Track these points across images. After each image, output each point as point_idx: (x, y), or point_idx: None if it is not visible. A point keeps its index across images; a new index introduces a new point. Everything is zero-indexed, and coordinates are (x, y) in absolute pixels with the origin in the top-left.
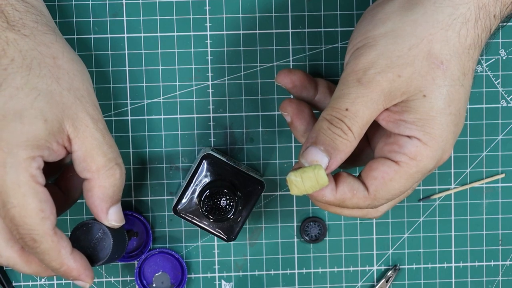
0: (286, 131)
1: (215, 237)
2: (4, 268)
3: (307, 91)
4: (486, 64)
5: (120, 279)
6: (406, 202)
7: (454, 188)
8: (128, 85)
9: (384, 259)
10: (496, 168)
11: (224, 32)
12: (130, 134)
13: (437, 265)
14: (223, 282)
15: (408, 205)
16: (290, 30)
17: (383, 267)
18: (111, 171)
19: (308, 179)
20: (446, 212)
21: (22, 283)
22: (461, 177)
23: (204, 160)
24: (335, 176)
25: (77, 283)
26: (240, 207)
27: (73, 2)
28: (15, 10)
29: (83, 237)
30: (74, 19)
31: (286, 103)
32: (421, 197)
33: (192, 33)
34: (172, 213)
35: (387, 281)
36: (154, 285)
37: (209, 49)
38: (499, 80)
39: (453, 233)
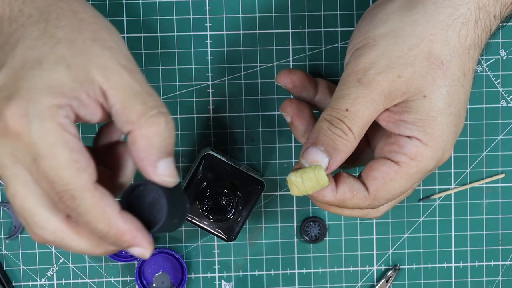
0: (286, 131)
1: (215, 237)
2: (4, 268)
3: (307, 91)
4: (486, 64)
5: (120, 279)
6: (406, 202)
7: (454, 188)
8: None
9: (384, 259)
10: (496, 168)
11: (224, 32)
12: None
13: (437, 265)
14: (223, 282)
15: (408, 205)
16: (290, 30)
17: (383, 267)
18: (153, 119)
19: (309, 180)
20: (446, 212)
21: (22, 283)
22: (461, 177)
23: (204, 160)
24: (335, 176)
25: (133, 251)
26: (240, 207)
27: None
28: None
29: (135, 202)
30: None
31: (286, 103)
32: (421, 197)
33: (192, 33)
34: None
35: (387, 281)
36: (154, 285)
37: (209, 49)
38: (499, 80)
39: (453, 233)
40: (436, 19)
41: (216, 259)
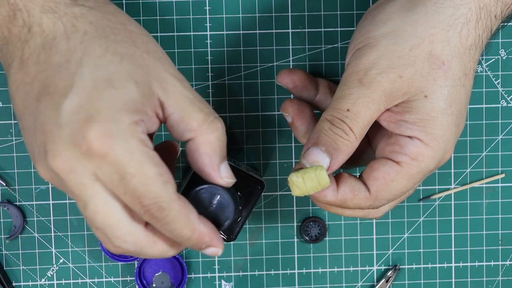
0: (286, 131)
1: None
2: (4, 268)
3: (308, 91)
4: (486, 64)
5: (120, 279)
6: (406, 202)
7: (454, 188)
8: None
9: (384, 259)
10: (496, 168)
11: (224, 32)
12: None
13: (437, 265)
14: (223, 282)
15: (408, 205)
16: (290, 30)
17: (383, 267)
18: (213, 125)
19: (310, 180)
20: (446, 212)
21: (22, 283)
22: (461, 177)
23: None
24: (336, 176)
25: (209, 251)
26: (240, 207)
27: None
28: None
29: (198, 206)
30: None
31: (287, 104)
32: (421, 197)
33: (192, 33)
34: None
35: (387, 281)
36: (154, 285)
37: (209, 49)
38: (499, 80)
39: (453, 233)
40: (437, 19)
41: (216, 259)
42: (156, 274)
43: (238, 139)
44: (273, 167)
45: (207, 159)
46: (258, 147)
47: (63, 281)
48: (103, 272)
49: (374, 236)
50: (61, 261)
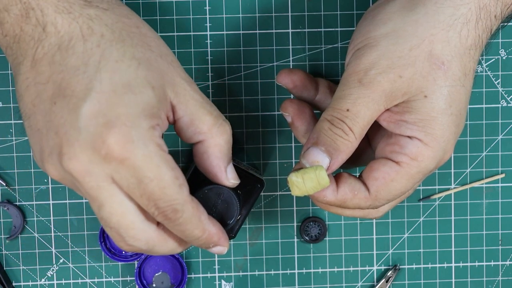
0: (286, 131)
1: None
2: (4, 268)
3: (308, 91)
4: (486, 64)
5: (120, 279)
6: (406, 202)
7: (454, 188)
8: None
9: (384, 259)
10: (496, 168)
11: (224, 32)
12: None
13: (437, 265)
14: (223, 282)
15: (408, 205)
16: (290, 30)
17: (383, 267)
18: (222, 128)
19: (309, 180)
20: (446, 212)
21: (22, 283)
22: (461, 177)
23: None
24: (336, 176)
25: (215, 250)
26: (240, 206)
27: None
28: None
29: (205, 205)
30: None
31: (287, 103)
32: (421, 197)
33: (192, 33)
34: None
35: (387, 281)
36: (154, 285)
37: (209, 49)
38: (499, 80)
39: (453, 233)
40: (437, 19)
41: (216, 259)
42: (156, 274)
43: (238, 139)
44: (273, 167)
45: (215, 161)
46: (258, 147)
47: (63, 281)
48: (103, 272)
49: (374, 236)
50: (61, 261)
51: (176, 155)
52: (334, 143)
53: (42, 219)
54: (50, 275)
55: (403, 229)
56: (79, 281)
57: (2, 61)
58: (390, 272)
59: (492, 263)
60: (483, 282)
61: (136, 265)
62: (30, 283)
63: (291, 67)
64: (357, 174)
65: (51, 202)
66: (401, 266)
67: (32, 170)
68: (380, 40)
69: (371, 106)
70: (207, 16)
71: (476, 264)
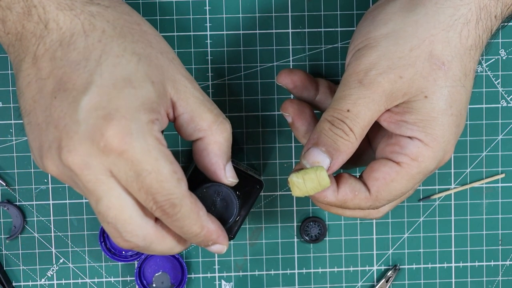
0: (286, 131)
1: None
2: (4, 268)
3: (308, 91)
4: (486, 64)
5: (120, 279)
6: (406, 202)
7: (454, 188)
8: None
9: (384, 259)
10: (496, 168)
11: (224, 32)
12: None
13: (437, 265)
14: (223, 282)
15: (408, 205)
16: (290, 30)
17: (383, 267)
18: (222, 126)
19: (310, 181)
20: (446, 212)
21: (22, 283)
22: (461, 177)
23: None
24: (337, 177)
25: (215, 248)
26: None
27: None
28: None
29: (204, 203)
30: None
31: (287, 104)
32: (421, 197)
33: (192, 33)
34: None
35: (387, 281)
36: (154, 285)
37: (209, 49)
38: (499, 80)
39: (453, 233)
40: (437, 20)
41: (216, 259)
42: (156, 274)
43: (238, 139)
44: (273, 167)
45: (214, 159)
46: (258, 147)
47: (63, 281)
48: (103, 272)
49: (374, 236)
50: (61, 261)
51: (176, 155)
52: (334, 143)
53: (42, 219)
54: (50, 275)
55: (403, 229)
56: (79, 281)
57: (2, 61)
58: (390, 272)
59: (492, 263)
60: (483, 282)
61: (136, 265)
62: (30, 283)
63: (291, 67)
64: (358, 175)
65: (51, 202)
66: (401, 266)
67: (32, 170)
68: (381, 40)
69: (372, 107)
70: (207, 16)
71: (476, 264)
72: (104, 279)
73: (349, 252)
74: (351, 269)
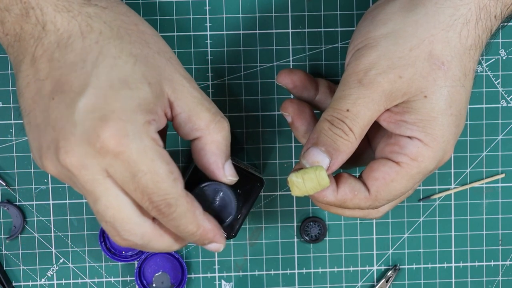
0: (286, 131)
1: None
2: (4, 268)
3: (308, 91)
4: (486, 64)
5: (120, 279)
6: (406, 202)
7: (454, 188)
8: None
9: (384, 259)
10: (496, 168)
11: (224, 32)
12: None
13: (437, 265)
14: (223, 282)
15: (408, 205)
16: (290, 30)
17: (383, 267)
18: (220, 124)
19: (309, 180)
20: (446, 212)
21: (22, 283)
22: (461, 177)
23: None
24: (336, 177)
25: (212, 246)
26: (240, 204)
27: None
28: None
29: (202, 202)
30: None
31: (287, 103)
32: (421, 197)
33: (192, 33)
34: None
35: (387, 281)
36: (154, 285)
37: (209, 49)
38: (499, 80)
39: (453, 233)
40: (437, 20)
41: (216, 259)
42: (156, 274)
43: (238, 139)
44: (273, 167)
45: (212, 158)
46: (258, 147)
47: (63, 281)
48: (103, 272)
49: (374, 236)
50: (61, 261)
51: (176, 155)
52: (334, 143)
53: (42, 219)
54: (50, 275)
55: (403, 229)
56: (79, 281)
57: (2, 61)
58: (390, 272)
59: (492, 263)
60: (483, 282)
61: (136, 265)
62: (30, 283)
63: (291, 67)
64: (357, 174)
65: (51, 202)
66: (401, 266)
67: (32, 170)
68: (380, 40)
69: (371, 107)
70: (207, 16)
71: (476, 264)
72: (104, 279)
73: (349, 252)
74: (351, 269)
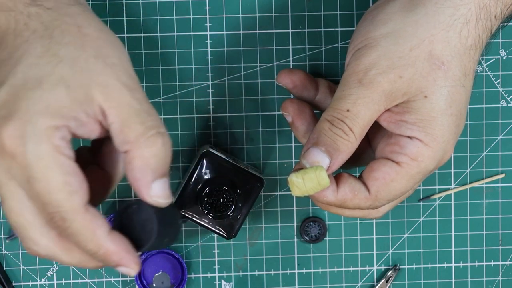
0: (286, 131)
1: (215, 237)
2: (4, 268)
3: (308, 91)
4: (486, 64)
5: (120, 279)
6: (406, 202)
7: (454, 188)
8: None
9: (384, 259)
10: (496, 168)
11: (224, 32)
12: None
13: (437, 265)
14: (223, 282)
15: (408, 205)
16: (290, 30)
17: (383, 267)
18: (151, 139)
19: (309, 180)
20: (446, 212)
21: (22, 283)
22: (461, 177)
23: (203, 158)
24: (336, 177)
25: (122, 270)
26: (240, 204)
27: None
28: None
29: (127, 221)
30: None
31: (287, 103)
32: (421, 197)
33: (192, 33)
34: None
35: (387, 281)
36: (154, 285)
37: (209, 49)
38: (499, 80)
39: (453, 233)
40: (437, 20)
41: (216, 259)
42: (156, 274)
43: (238, 139)
44: (273, 167)
45: (138, 174)
46: (258, 147)
47: (63, 281)
48: (103, 272)
49: (374, 236)
50: None
51: (176, 155)
52: (334, 143)
53: None
54: (50, 275)
55: (403, 229)
56: (79, 281)
57: None
58: (390, 272)
59: (492, 263)
60: (483, 282)
61: None
62: (30, 283)
63: (291, 67)
64: (357, 174)
65: None
66: (401, 266)
67: None
68: (380, 40)
69: (371, 107)
70: (207, 16)
71: (476, 264)
72: (104, 279)
73: (349, 252)
74: (351, 269)
